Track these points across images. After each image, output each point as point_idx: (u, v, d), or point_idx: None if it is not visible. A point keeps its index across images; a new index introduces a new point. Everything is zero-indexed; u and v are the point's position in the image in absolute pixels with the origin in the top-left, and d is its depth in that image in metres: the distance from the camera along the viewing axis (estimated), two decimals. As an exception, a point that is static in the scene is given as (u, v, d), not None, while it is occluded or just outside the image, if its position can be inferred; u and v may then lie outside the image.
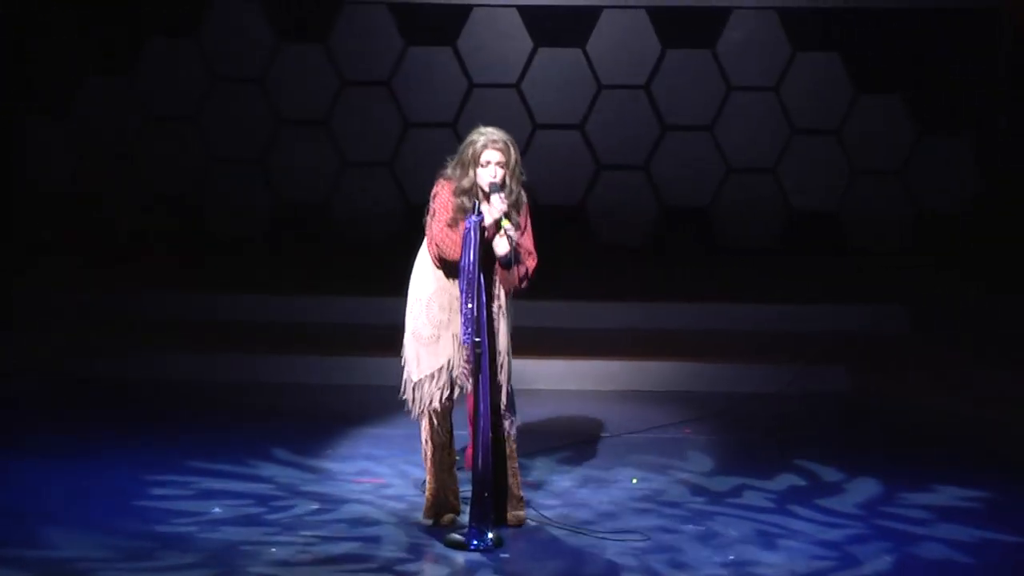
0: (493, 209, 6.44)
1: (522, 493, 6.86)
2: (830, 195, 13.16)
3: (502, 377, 6.62)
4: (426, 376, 6.64)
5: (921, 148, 13.13)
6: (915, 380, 9.94)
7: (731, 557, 6.50)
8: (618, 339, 10.62)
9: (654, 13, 13.02)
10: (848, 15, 12.98)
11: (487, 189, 6.47)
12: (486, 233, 6.47)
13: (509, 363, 6.67)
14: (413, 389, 6.68)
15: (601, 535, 6.72)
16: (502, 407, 6.63)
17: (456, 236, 6.48)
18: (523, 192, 6.61)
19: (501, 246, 6.46)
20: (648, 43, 13.07)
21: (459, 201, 6.51)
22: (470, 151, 6.51)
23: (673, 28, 13.03)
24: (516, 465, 6.80)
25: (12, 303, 10.85)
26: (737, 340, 10.68)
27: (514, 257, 6.45)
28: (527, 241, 6.59)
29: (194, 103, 13.00)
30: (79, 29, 12.81)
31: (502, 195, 6.45)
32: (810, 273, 12.49)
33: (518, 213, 6.57)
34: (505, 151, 6.51)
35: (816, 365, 10.03)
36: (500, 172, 6.49)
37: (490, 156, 6.50)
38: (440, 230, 6.52)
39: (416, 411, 6.70)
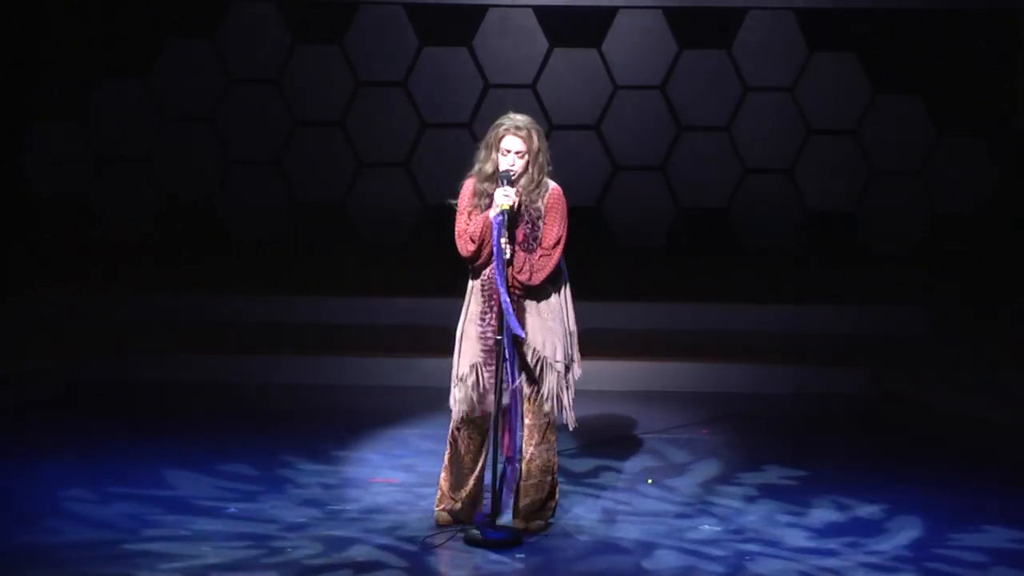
0: (497, 196, 6.40)
1: (555, 503, 6.75)
2: (847, 196, 13.12)
3: (546, 377, 6.52)
4: (458, 379, 6.54)
5: (939, 149, 13.07)
6: (932, 381, 9.89)
7: (747, 558, 6.48)
8: (634, 339, 10.61)
9: (670, 13, 12.99)
10: (865, 15, 12.93)
11: (500, 176, 6.44)
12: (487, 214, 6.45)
13: (562, 369, 6.56)
14: (451, 396, 6.59)
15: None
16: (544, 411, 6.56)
17: (468, 235, 6.45)
18: (549, 180, 6.53)
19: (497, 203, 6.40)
20: (664, 43, 13.04)
21: (482, 187, 6.49)
22: (493, 134, 6.50)
23: (689, 28, 13.00)
24: (550, 478, 6.66)
25: (13, 304, 10.83)
26: (753, 340, 10.66)
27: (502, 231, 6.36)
28: (547, 233, 6.47)
29: (210, 104, 13.00)
30: (94, 31, 12.81)
31: (507, 189, 6.40)
32: (826, 274, 12.45)
33: (535, 198, 6.48)
34: (527, 139, 6.44)
35: (832, 366, 10.02)
36: (519, 162, 6.44)
37: (510, 144, 6.46)
38: (457, 234, 6.50)
39: (454, 417, 6.60)
